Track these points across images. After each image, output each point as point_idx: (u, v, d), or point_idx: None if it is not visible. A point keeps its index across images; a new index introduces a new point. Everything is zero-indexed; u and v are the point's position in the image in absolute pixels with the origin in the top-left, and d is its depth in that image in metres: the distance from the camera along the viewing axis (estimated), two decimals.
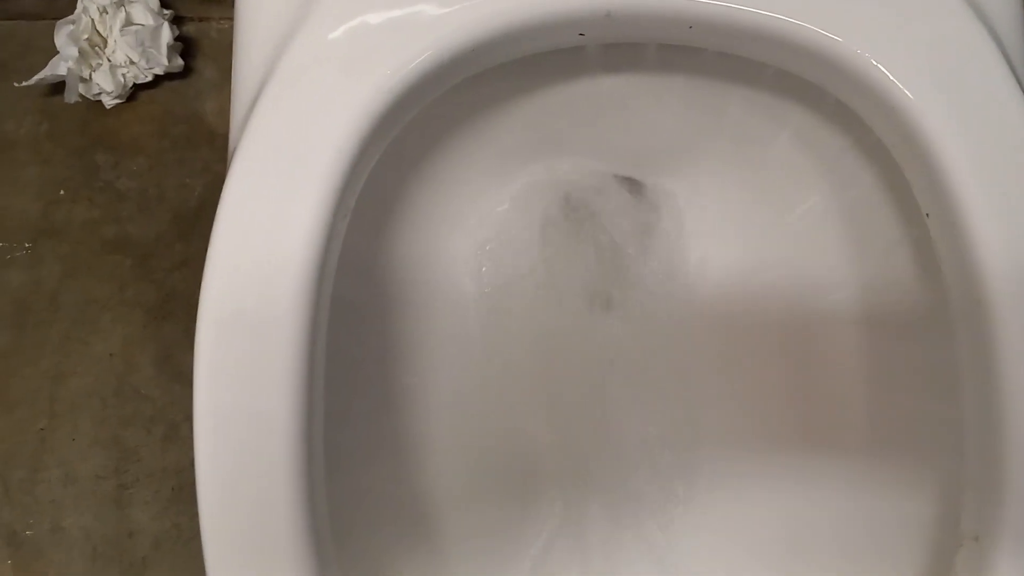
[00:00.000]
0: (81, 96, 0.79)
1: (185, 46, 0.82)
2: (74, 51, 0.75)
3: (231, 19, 0.83)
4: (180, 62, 0.80)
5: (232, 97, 0.44)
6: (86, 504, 0.75)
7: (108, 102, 0.80)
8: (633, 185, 0.57)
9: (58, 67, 0.77)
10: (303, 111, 0.40)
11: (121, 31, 0.76)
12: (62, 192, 0.80)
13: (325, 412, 0.39)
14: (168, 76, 0.81)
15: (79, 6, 0.78)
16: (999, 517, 0.36)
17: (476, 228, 0.55)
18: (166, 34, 0.78)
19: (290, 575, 0.36)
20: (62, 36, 0.76)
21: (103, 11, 0.76)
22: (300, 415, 0.36)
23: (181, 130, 0.82)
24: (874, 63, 0.39)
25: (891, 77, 0.39)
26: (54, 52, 0.78)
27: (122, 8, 0.77)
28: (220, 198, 0.40)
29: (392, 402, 0.49)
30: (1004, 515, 0.36)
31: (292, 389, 0.36)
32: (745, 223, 0.56)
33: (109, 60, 0.78)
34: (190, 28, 0.83)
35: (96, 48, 0.78)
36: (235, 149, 0.41)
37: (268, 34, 0.43)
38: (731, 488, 0.53)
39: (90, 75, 0.78)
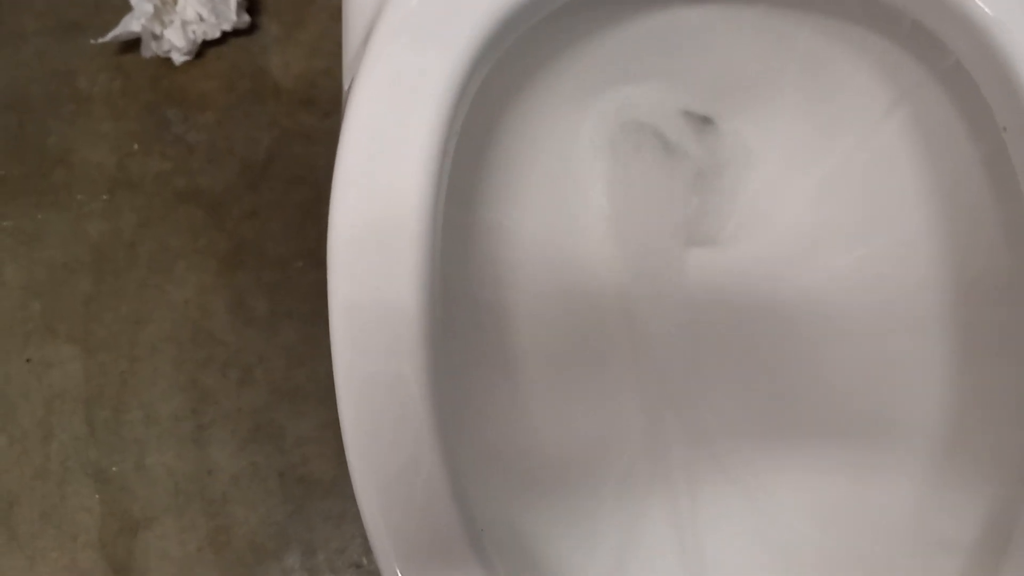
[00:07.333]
0: (152, 53, 0.82)
1: (250, 3, 0.85)
2: (149, 8, 0.78)
3: None
4: (247, 18, 0.83)
5: (344, 30, 0.47)
6: (167, 443, 0.78)
7: (178, 59, 0.83)
8: (704, 123, 0.60)
9: (131, 24, 0.80)
10: (412, 47, 0.43)
11: None
12: (136, 146, 0.83)
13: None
14: (235, 33, 0.84)
15: None
16: None
17: (552, 154, 0.57)
18: None
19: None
20: None
21: None
22: (428, 313, 0.39)
23: (247, 85, 0.85)
24: None
25: None
26: (124, 11, 0.81)
27: None
28: (342, 129, 0.43)
29: (485, 314, 0.52)
30: None
31: (419, 284, 0.39)
32: (815, 162, 0.58)
33: (180, 17, 0.80)
34: None
35: (168, 5, 0.80)
36: (351, 83, 0.44)
37: None
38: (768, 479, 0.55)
39: (162, 32, 0.81)
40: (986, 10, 0.42)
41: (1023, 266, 0.45)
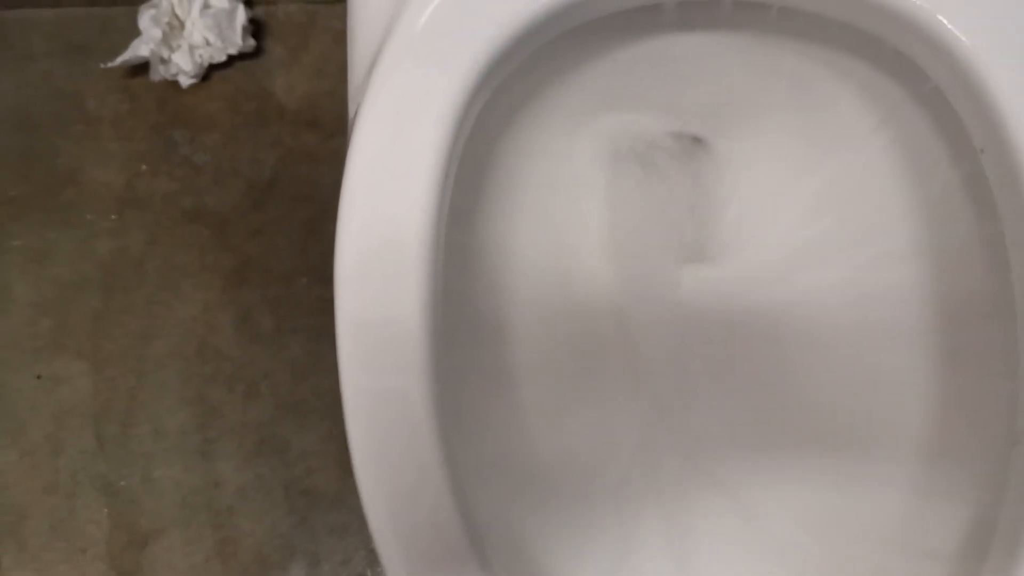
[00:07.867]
0: (160, 76, 0.84)
1: (255, 27, 0.87)
2: (158, 33, 0.80)
3: (297, 2, 0.89)
4: (252, 42, 0.85)
5: (349, 59, 0.49)
6: (174, 457, 0.80)
7: (184, 82, 0.85)
8: (696, 143, 0.62)
9: (139, 49, 0.82)
10: (416, 73, 0.45)
11: (200, 13, 0.81)
12: (144, 166, 0.85)
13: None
14: (240, 56, 0.86)
15: None
16: None
17: (549, 173, 0.59)
18: (241, 16, 0.83)
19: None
20: (145, 19, 0.81)
21: None
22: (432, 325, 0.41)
23: (252, 107, 0.87)
24: (938, 17, 0.44)
25: (950, 26, 0.44)
26: (131, 34, 0.83)
27: None
28: (348, 154, 0.44)
29: (484, 329, 0.54)
30: None
31: (423, 303, 0.41)
32: (805, 179, 0.60)
33: (187, 41, 0.82)
34: (259, 11, 0.88)
35: (175, 30, 0.82)
36: (356, 111, 0.46)
37: (380, 9, 0.47)
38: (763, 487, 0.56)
39: (169, 56, 0.83)
40: (962, 39, 0.44)
41: (1003, 282, 0.47)
